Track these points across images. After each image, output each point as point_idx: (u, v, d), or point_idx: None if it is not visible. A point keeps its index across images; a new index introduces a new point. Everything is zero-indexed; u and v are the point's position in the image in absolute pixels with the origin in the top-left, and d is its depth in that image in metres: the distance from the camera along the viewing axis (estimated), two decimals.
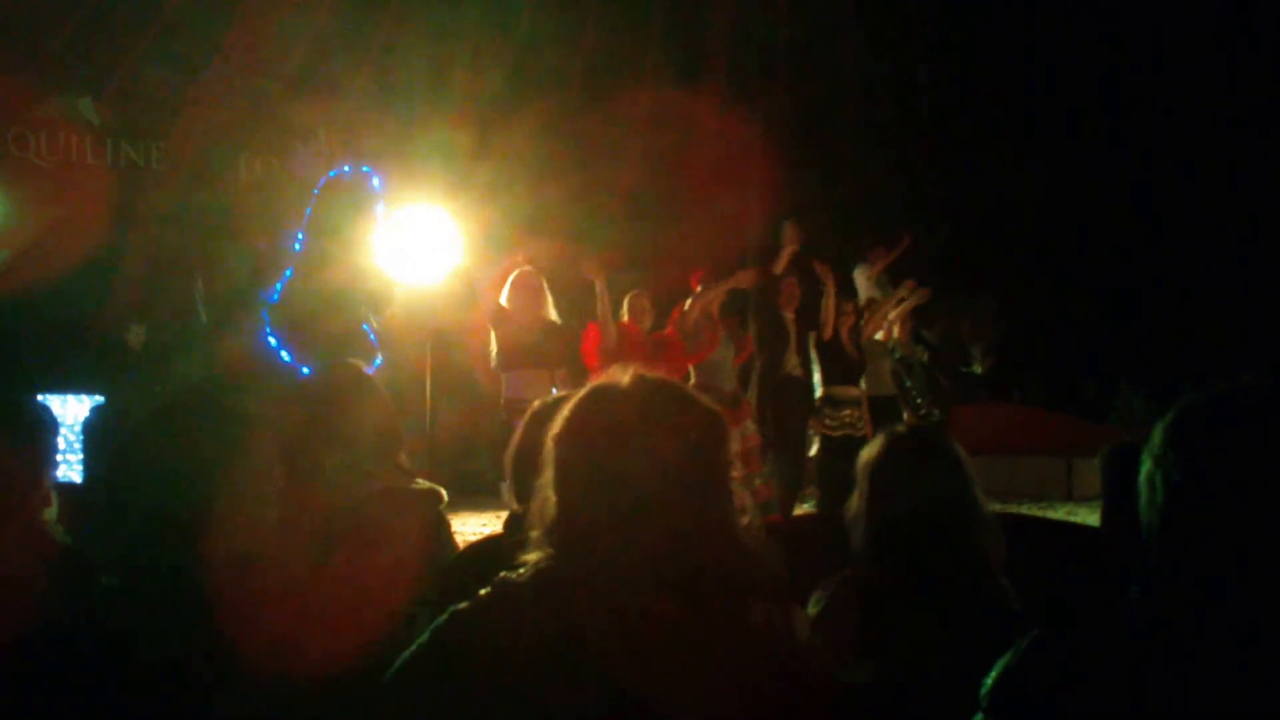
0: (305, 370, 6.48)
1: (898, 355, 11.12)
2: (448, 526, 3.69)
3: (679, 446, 2.05)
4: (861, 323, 10.50)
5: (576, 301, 9.29)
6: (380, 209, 7.04)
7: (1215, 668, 1.62)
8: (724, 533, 2.09)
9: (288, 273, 6.82)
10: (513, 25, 14.31)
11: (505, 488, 3.64)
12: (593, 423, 2.11)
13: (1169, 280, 16.77)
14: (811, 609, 3.05)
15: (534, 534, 2.14)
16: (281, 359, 6.58)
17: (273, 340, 6.65)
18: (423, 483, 3.58)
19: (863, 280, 11.14)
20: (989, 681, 1.80)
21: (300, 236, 6.89)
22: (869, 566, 3.02)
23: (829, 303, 10.01)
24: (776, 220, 10.00)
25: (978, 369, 15.07)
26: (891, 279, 11.43)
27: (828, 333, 9.98)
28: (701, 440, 2.09)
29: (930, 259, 13.32)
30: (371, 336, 6.77)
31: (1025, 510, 9.23)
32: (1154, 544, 1.73)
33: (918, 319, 11.70)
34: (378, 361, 6.61)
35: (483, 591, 2.11)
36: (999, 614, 2.84)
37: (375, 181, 7.07)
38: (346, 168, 7.17)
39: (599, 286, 8.60)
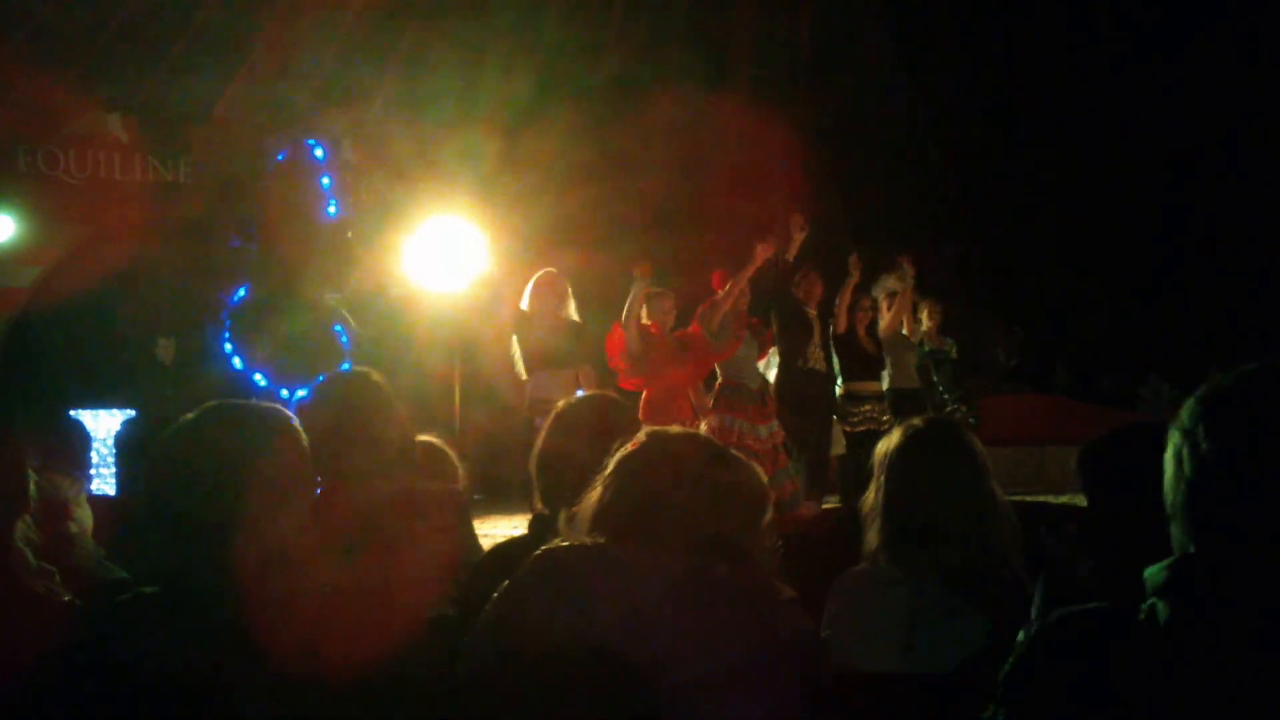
0: (257, 379, 6.26)
1: (927, 349, 11.07)
2: (472, 528, 3.72)
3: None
4: (880, 318, 10.47)
5: (601, 303, 9.30)
6: (328, 180, 6.76)
7: (1238, 647, 1.60)
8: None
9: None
10: (539, 35, 14.32)
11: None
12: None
13: (1198, 269, 16.69)
14: (831, 601, 3.08)
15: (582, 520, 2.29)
16: (233, 366, 6.36)
17: (228, 347, 6.43)
18: (449, 485, 3.61)
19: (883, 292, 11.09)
20: (1005, 669, 1.80)
21: (257, 227, 6.65)
22: (885, 559, 3.04)
23: (845, 293, 9.97)
24: (798, 228, 9.93)
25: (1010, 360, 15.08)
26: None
27: (841, 325, 9.96)
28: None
29: (948, 267, 13.29)
30: (344, 339, 6.55)
31: (1051, 500, 9.12)
32: (1178, 520, 1.71)
33: (945, 315, 11.64)
34: (346, 366, 6.33)
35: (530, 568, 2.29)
36: (1014, 603, 2.85)
37: (319, 152, 6.79)
38: (285, 151, 6.91)
39: (635, 288, 8.57)
